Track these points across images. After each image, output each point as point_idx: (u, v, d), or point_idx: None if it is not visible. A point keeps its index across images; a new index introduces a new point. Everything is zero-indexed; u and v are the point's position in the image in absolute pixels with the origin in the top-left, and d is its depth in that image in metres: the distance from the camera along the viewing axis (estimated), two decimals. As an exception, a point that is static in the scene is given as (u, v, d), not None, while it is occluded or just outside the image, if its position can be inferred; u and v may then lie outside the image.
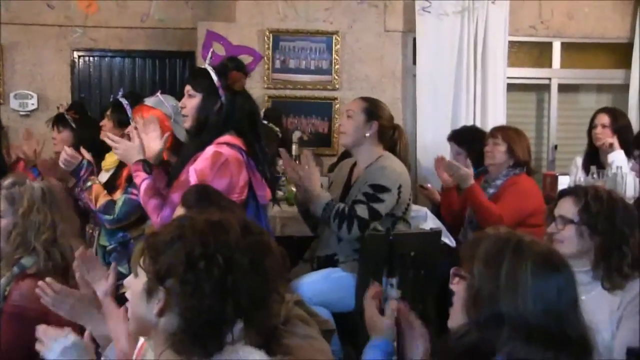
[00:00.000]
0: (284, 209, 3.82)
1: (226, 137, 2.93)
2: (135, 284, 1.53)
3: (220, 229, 1.49)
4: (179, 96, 3.53)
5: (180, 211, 2.27)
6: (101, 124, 3.83)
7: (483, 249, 1.73)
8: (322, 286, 3.26)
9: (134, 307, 1.54)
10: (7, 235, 2.48)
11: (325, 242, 3.46)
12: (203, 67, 3.12)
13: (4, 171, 3.17)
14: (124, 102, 3.63)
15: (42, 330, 1.90)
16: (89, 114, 4.59)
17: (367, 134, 3.45)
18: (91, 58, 5.71)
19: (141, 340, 1.91)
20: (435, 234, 3.58)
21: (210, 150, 2.87)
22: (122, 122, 3.56)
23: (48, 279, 2.12)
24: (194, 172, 2.80)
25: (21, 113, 5.49)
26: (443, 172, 4.18)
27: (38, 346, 1.88)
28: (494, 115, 5.27)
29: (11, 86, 5.46)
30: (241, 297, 1.46)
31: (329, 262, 3.43)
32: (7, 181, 2.51)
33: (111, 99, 4.08)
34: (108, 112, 3.77)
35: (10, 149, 4.75)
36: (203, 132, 2.99)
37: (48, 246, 2.45)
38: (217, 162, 2.84)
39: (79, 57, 5.66)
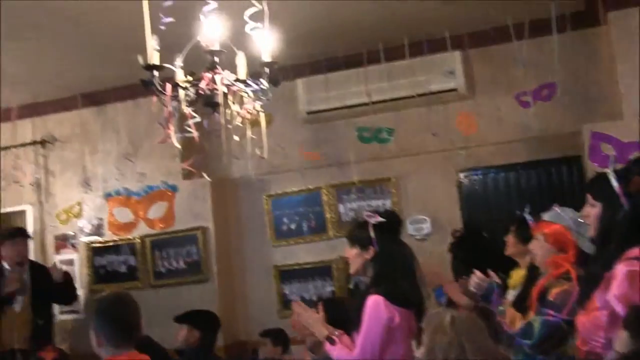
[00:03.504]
0: None
1: (635, 251, 2.72)
2: None
3: None
4: (570, 204, 3.46)
5: (623, 334, 2.15)
6: (505, 239, 3.90)
7: None
8: None
9: None
10: None
11: None
12: (602, 171, 2.99)
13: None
14: (529, 218, 3.65)
15: None
16: (482, 234, 4.72)
17: None
18: (475, 176, 5.88)
19: None
20: None
21: (622, 270, 2.66)
22: (526, 239, 3.57)
23: None
24: (615, 299, 2.63)
25: (417, 237, 5.80)
26: None
27: None
28: None
29: (407, 213, 5.84)
30: None
31: None
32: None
33: (517, 215, 4.15)
34: (513, 228, 3.84)
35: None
36: (608, 244, 2.83)
37: None
38: (633, 281, 2.64)
39: (465, 177, 5.88)
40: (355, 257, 3.41)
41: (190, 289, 6.07)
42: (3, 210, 6.71)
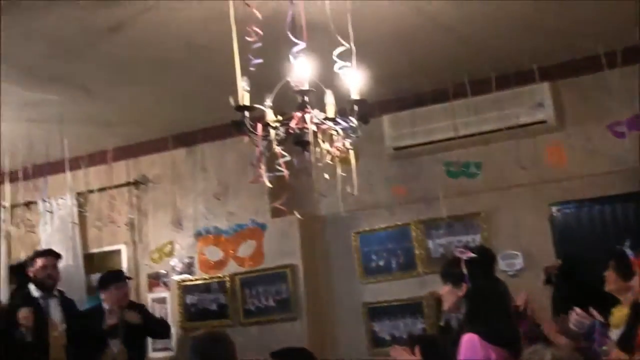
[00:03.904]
0: None
1: None
2: None
3: None
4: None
5: None
6: (605, 274, 3.76)
7: None
8: None
9: None
10: None
11: None
12: None
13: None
14: (629, 253, 3.51)
15: None
16: (577, 269, 4.55)
17: None
18: (568, 210, 5.70)
19: None
20: None
21: None
22: (627, 275, 3.43)
23: None
24: None
25: (509, 273, 5.65)
26: None
27: None
28: None
29: (498, 248, 5.69)
30: None
31: None
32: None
33: (616, 250, 3.99)
34: (612, 264, 3.70)
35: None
36: None
37: None
38: None
39: (557, 210, 5.70)
40: (448, 294, 3.36)
41: (280, 327, 6.09)
42: (100, 250, 6.95)
